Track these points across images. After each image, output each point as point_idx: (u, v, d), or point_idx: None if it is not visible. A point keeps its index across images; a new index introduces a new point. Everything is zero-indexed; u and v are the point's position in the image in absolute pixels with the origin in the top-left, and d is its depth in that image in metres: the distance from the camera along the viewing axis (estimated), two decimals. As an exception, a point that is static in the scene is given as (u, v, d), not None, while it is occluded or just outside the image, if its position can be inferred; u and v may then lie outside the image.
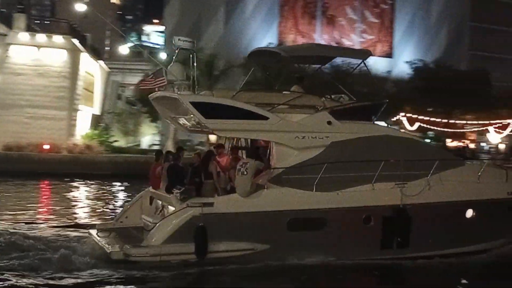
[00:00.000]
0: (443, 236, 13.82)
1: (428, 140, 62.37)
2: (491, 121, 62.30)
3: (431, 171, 13.73)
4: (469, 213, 14.08)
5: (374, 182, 13.15)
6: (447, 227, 13.83)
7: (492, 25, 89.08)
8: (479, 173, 14.50)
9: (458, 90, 65.07)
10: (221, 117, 12.47)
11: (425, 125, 61.91)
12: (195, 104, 12.37)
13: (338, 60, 50.10)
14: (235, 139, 14.42)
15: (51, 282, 11.14)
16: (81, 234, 14.84)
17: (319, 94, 14.63)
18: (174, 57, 13.70)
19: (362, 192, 13.05)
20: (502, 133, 62.96)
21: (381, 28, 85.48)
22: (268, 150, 13.55)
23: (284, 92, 14.43)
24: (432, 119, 61.22)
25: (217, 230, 11.88)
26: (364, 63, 14.72)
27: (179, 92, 12.77)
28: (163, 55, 57.09)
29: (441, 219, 13.70)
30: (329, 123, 13.27)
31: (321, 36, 75.22)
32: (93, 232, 13.73)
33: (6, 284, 10.84)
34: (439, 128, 62.57)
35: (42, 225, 17.82)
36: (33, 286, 10.85)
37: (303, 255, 12.49)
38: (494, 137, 63.44)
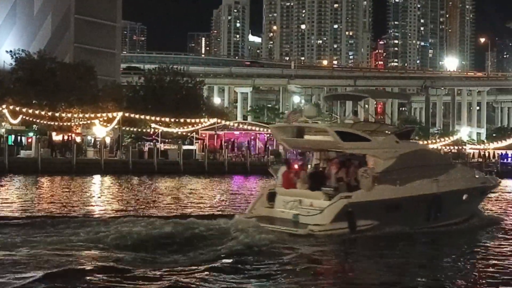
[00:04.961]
0: (454, 211, 21.67)
1: (31, 134, 63.15)
2: (97, 114, 66.28)
3: (449, 170, 21.95)
4: (465, 196, 22.19)
5: (423, 179, 20.52)
6: (456, 205, 21.75)
7: (96, 18, 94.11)
8: (466, 171, 23.81)
9: (64, 83, 67.55)
10: (350, 140, 19.35)
11: (29, 118, 62.12)
12: (337, 133, 19.27)
13: None
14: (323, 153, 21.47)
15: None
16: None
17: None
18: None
19: (418, 185, 20.27)
20: (107, 126, 67.54)
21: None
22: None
23: (371, 123, 22.65)
24: (37, 111, 61.83)
25: (357, 213, 18.29)
26: (410, 103, 24.64)
27: (329, 125, 20.21)
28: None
29: (454, 201, 21.43)
30: (396, 142, 20.64)
31: None
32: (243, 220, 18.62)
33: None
34: (44, 121, 63.47)
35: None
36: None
37: (392, 227, 18.77)
38: (100, 131, 67.47)
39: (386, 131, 21.41)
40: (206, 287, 11.96)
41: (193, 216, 20.42)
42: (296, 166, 29.02)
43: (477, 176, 24.30)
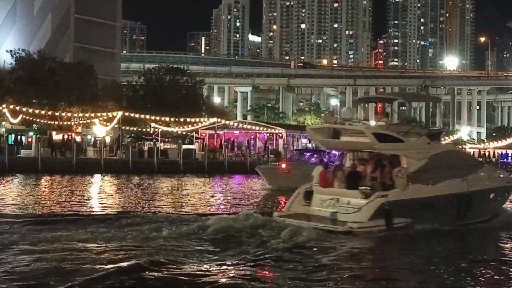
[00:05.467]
0: (482, 209, 22.40)
1: (31, 133, 63.26)
2: (97, 114, 66.38)
3: (476, 170, 23.06)
4: (492, 195, 23.25)
5: (454, 178, 21.40)
6: (483, 204, 22.58)
7: (95, 18, 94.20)
8: (493, 171, 25.25)
9: (64, 82, 67.69)
10: (385, 141, 20.16)
11: (29, 118, 62.22)
12: (374, 134, 20.14)
13: None
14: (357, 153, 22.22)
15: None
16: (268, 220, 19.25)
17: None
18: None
19: (449, 184, 21.13)
20: (107, 125, 67.63)
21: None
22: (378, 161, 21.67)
23: (403, 125, 23.56)
24: (37, 111, 61.91)
25: (393, 211, 19.03)
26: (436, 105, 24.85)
27: (366, 127, 21.11)
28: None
29: (482, 199, 22.29)
30: (428, 143, 21.56)
31: None
32: (279, 218, 19.54)
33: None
34: (44, 121, 63.59)
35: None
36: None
37: (425, 225, 19.42)
38: (100, 130, 67.58)
39: (419, 133, 22.34)
40: (249, 284, 12.15)
41: (231, 213, 21.35)
42: (283, 166, 33.57)
43: (502, 176, 25.47)
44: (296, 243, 16.12)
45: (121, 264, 13.09)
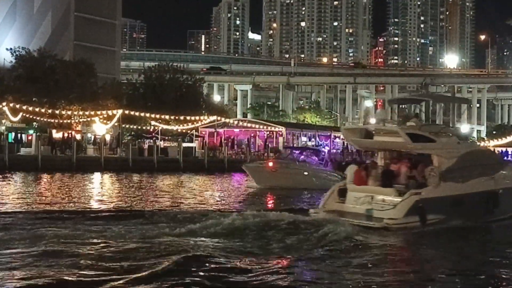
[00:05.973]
0: (508, 206, 22.87)
1: (31, 131, 63.32)
2: (97, 112, 66.38)
3: (502, 168, 23.75)
4: None
5: (482, 176, 22.08)
6: (510, 201, 22.88)
7: (95, 16, 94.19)
8: None
9: (64, 80, 67.74)
10: (418, 141, 20.82)
11: (29, 116, 62.36)
12: (408, 134, 20.66)
13: None
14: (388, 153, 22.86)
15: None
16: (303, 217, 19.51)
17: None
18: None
19: (477, 182, 21.78)
20: (107, 123, 67.66)
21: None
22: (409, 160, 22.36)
23: (433, 125, 24.49)
24: (37, 109, 62.04)
25: (427, 208, 19.68)
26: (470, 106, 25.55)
27: (400, 127, 21.48)
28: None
29: (508, 196, 22.72)
30: (458, 143, 22.46)
31: None
32: (315, 214, 20.25)
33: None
34: (44, 119, 63.63)
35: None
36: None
37: (456, 221, 20.07)
38: (100, 128, 67.62)
39: (449, 133, 23.21)
40: (289, 279, 12.37)
41: (268, 210, 21.82)
42: (270, 164, 35.73)
43: None
44: (334, 239, 16.53)
45: (167, 258, 13.14)
